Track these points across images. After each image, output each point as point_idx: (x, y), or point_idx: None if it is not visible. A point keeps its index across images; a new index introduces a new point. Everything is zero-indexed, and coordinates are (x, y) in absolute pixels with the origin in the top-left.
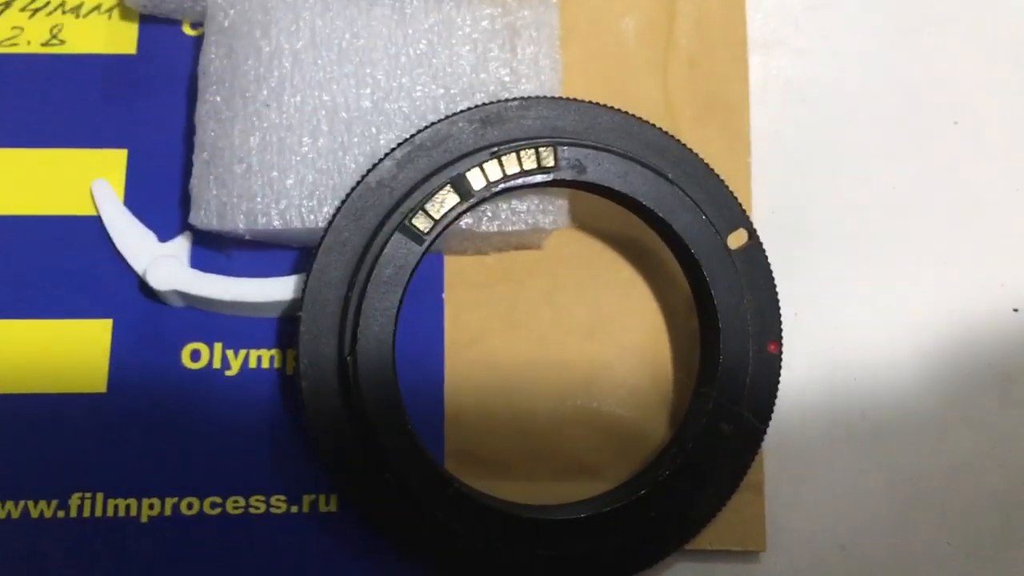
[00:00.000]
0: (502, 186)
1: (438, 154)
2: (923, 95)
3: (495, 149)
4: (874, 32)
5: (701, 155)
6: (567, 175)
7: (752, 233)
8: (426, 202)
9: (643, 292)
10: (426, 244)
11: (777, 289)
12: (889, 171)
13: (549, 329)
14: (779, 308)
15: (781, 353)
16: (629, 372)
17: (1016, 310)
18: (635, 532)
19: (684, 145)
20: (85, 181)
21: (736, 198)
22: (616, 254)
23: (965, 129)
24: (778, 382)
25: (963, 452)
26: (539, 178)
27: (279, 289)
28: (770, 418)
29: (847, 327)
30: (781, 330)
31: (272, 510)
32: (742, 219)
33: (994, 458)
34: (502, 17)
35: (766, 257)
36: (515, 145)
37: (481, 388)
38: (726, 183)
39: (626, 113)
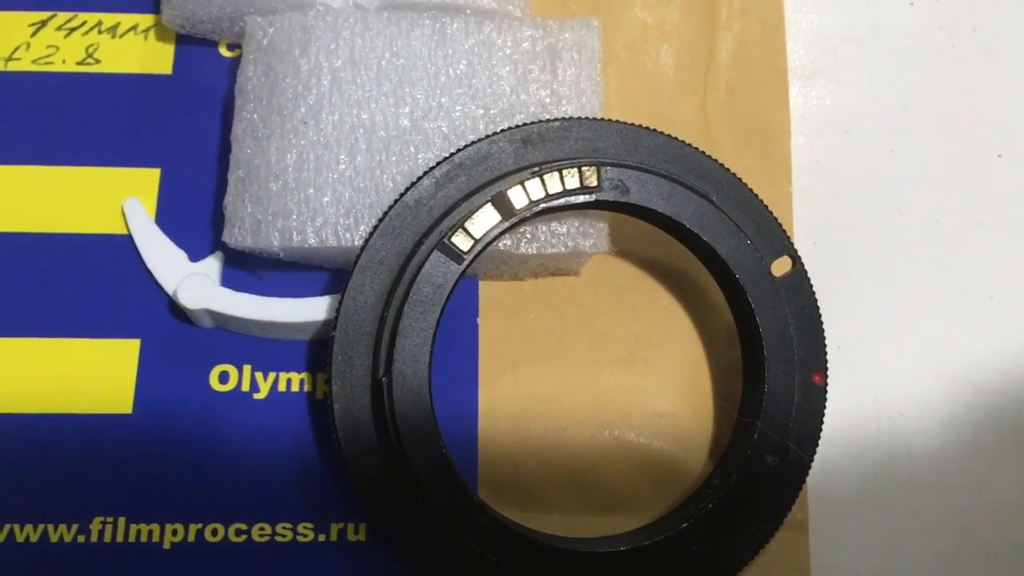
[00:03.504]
0: (544, 205)
1: (478, 173)
2: (966, 127)
3: (536, 168)
4: (913, 64)
5: None
6: (610, 196)
7: (796, 260)
8: (466, 220)
9: (682, 320)
10: (465, 263)
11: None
12: (932, 203)
13: (585, 357)
14: (824, 338)
15: (826, 384)
16: (668, 402)
17: None
18: (676, 568)
19: (727, 169)
20: (117, 200)
21: (780, 223)
22: (654, 281)
23: (1009, 161)
24: (824, 414)
25: (1013, 490)
26: (582, 198)
27: (312, 309)
28: (815, 451)
29: (891, 361)
30: (826, 360)
31: (299, 538)
32: (786, 245)
33: None
34: (543, 39)
35: (811, 285)
36: (557, 164)
37: (516, 416)
38: (770, 208)
39: (668, 135)
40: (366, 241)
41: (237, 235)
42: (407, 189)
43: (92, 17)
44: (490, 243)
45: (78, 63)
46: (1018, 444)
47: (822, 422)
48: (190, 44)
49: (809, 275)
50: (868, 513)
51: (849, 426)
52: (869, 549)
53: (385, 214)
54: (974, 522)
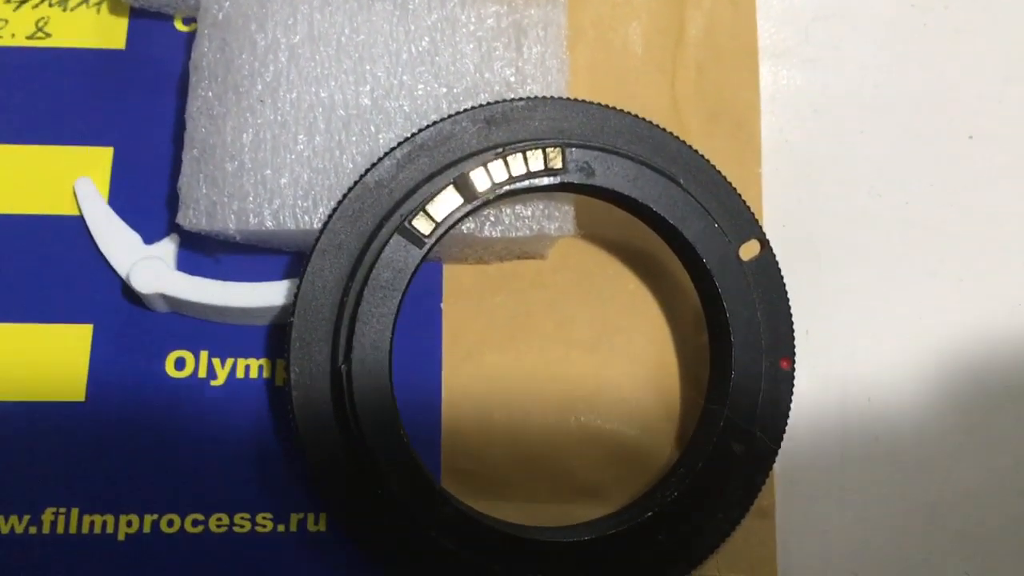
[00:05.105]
0: (507, 188)
1: (440, 154)
2: (937, 108)
3: (500, 150)
4: (885, 44)
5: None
6: (575, 178)
7: (765, 244)
8: (427, 203)
9: (650, 305)
10: (427, 247)
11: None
12: (902, 185)
13: (551, 342)
14: (792, 323)
15: (794, 370)
16: (635, 388)
17: None
18: (641, 557)
19: (695, 150)
20: (69, 179)
21: (748, 207)
22: (622, 265)
23: (980, 143)
24: (791, 401)
25: (981, 475)
26: (546, 180)
27: (270, 294)
28: (782, 438)
29: (860, 345)
30: (794, 346)
31: (258, 529)
32: (754, 229)
33: (1012, 481)
34: (508, 15)
35: (779, 269)
36: (521, 146)
37: (480, 403)
38: (738, 191)
39: (636, 116)
40: (325, 224)
41: (192, 217)
42: (367, 170)
43: None
44: (452, 226)
45: (28, 37)
46: (986, 428)
47: (789, 409)
48: (144, 18)
49: (778, 258)
50: (835, 499)
51: (817, 410)
52: (835, 535)
53: (345, 196)
54: (941, 508)
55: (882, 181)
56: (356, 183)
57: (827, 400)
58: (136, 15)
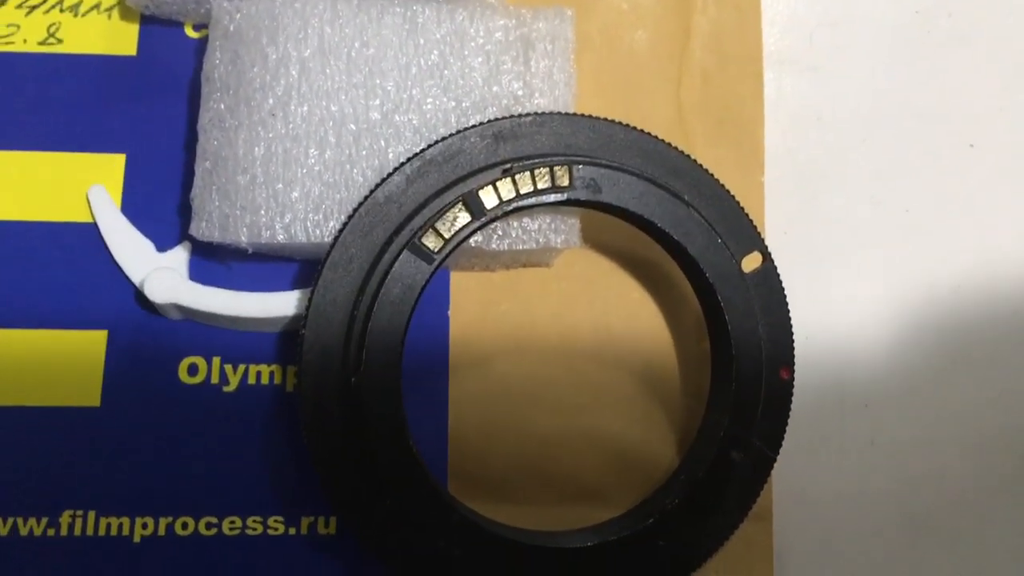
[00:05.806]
0: (515, 205)
1: (449, 169)
2: (939, 116)
3: (508, 166)
4: (889, 51)
5: (714, 172)
6: (581, 195)
7: (766, 256)
8: (436, 220)
9: (652, 312)
10: (436, 263)
11: (790, 313)
12: (903, 193)
13: (556, 349)
14: (792, 333)
15: (793, 379)
16: (637, 394)
17: None
18: (641, 561)
19: (699, 164)
20: (81, 186)
21: (751, 219)
22: (625, 273)
23: (981, 152)
24: (789, 409)
25: (982, 480)
26: (553, 197)
27: (281, 304)
28: (780, 446)
29: (858, 352)
30: (793, 355)
31: (269, 531)
32: (756, 241)
33: (1010, 483)
34: (516, 29)
35: (780, 281)
36: (529, 163)
37: (486, 409)
38: (740, 203)
39: (641, 131)
40: (336, 238)
41: (205, 229)
42: (377, 185)
43: None
44: (460, 243)
45: (40, 43)
46: (987, 435)
47: (787, 418)
48: (155, 24)
49: (779, 264)
50: (832, 503)
51: (815, 415)
52: (833, 540)
53: (355, 211)
54: (940, 512)
55: (883, 189)
56: (366, 198)
57: (826, 405)
58: (147, 21)
